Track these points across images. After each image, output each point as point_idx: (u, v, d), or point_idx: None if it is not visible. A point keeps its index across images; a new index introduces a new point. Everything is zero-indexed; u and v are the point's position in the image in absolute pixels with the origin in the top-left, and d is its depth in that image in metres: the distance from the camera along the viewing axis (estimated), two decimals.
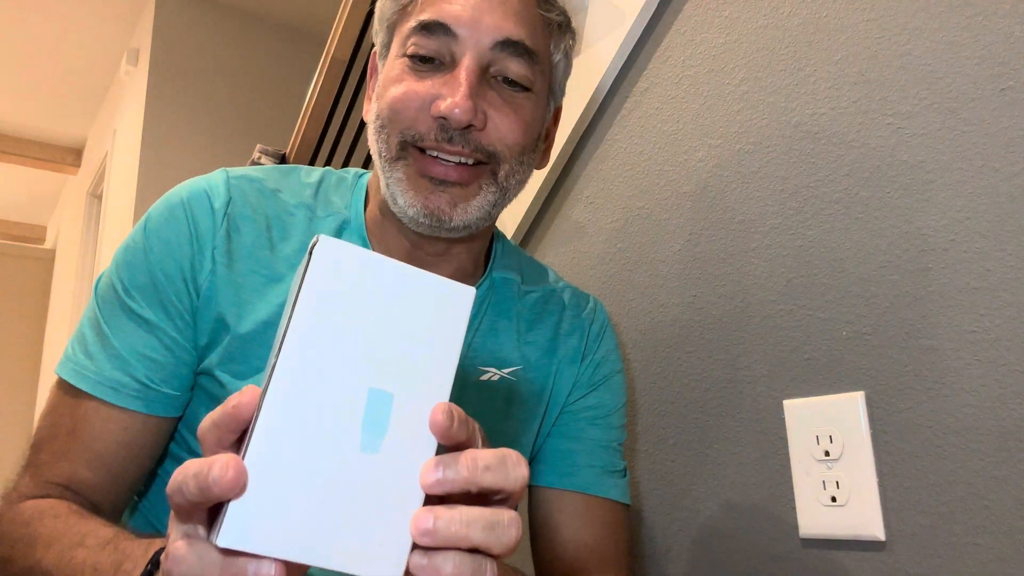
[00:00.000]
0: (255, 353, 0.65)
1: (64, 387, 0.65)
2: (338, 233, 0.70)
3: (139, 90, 3.20)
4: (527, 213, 1.17)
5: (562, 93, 0.74)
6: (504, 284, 0.76)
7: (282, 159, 1.96)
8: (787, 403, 0.77)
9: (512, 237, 1.19)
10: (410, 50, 0.64)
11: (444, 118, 0.61)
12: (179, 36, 3.20)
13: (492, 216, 0.68)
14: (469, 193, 0.64)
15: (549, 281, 0.81)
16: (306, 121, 1.84)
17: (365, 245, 0.70)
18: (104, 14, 3.40)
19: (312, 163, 1.88)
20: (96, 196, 4.12)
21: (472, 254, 0.73)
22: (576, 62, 1.12)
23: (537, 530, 0.75)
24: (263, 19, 3.37)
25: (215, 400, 0.67)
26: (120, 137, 3.54)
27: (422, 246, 0.69)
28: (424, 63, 0.64)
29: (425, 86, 0.63)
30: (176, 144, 3.07)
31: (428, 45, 0.63)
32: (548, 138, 0.75)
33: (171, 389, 0.65)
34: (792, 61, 0.82)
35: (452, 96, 0.61)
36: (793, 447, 0.76)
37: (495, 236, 0.79)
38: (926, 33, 0.70)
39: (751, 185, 0.85)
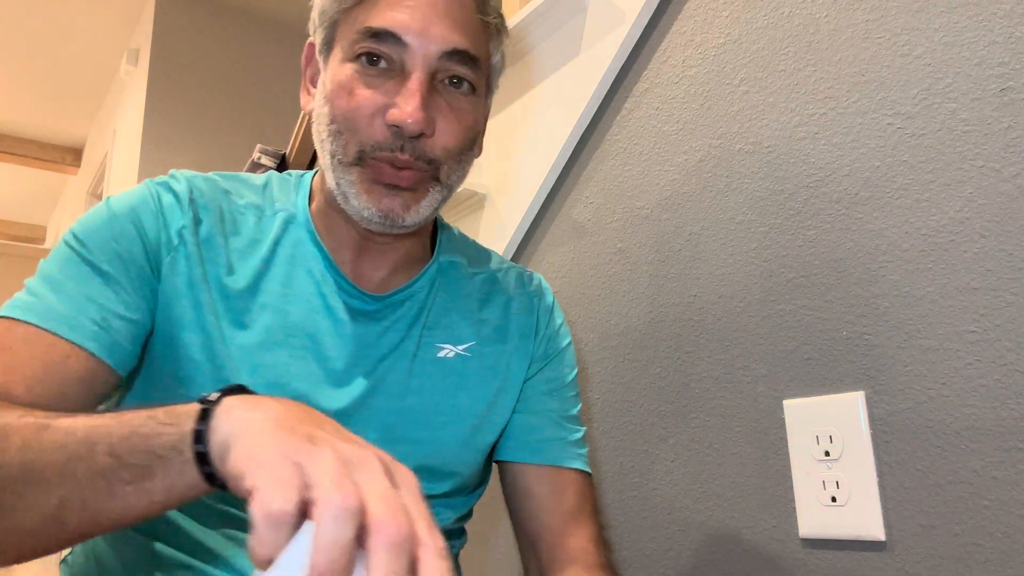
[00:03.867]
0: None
1: None
2: (285, 227, 0.74)
3: (139, 90, 3.20)
4: (527, 213, 1.17)
5: (496, 88, 0.79)
6: (452, 267, 0.82)
7: (282, 159, 1.96)
8: (787, 403, 0.77)
9: (512, 237, 1.19)
10: (360, 55, 0.67)
11: (398, 126, 0.65)
12: (179, 36, 3.20)
13: (439, 211, 0.73)
14: (419, 196, 0.69)
15: (494, 263, 0.87)
16: (306, 121, 1.84)
17: (311, 237, 0.74)
18: (104, 14, 3.39)
19: (312, 164, 1.88)
20: (96, 196, 4.12)
21: (419, 242, 0.79)
22: (576, 62, 1.13)
23: (518, 501, 0.81)
24: (264, 19, 3.37)
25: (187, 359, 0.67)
26: (120, 137, 3.54)
27: (372, 238, 0.74)
28: (372, 66, 0.67)
29: (378, 94, 0.66)
30: (176, 144, 3.07)
31: (377, 51, 0.67)
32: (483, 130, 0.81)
33: (124, 340, 0.64)
34: (792, 61, 0.82)
35: (406, 106, 0.65)
36: (793, 447, 0.76)
37: (439, 225, 0.84)
38: (926, 33, 0.70)
39: (751, 185, 0.85)
